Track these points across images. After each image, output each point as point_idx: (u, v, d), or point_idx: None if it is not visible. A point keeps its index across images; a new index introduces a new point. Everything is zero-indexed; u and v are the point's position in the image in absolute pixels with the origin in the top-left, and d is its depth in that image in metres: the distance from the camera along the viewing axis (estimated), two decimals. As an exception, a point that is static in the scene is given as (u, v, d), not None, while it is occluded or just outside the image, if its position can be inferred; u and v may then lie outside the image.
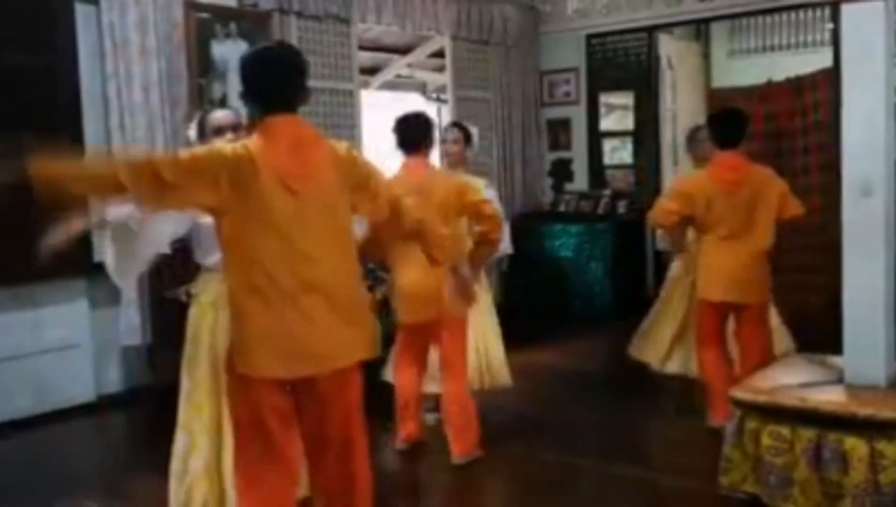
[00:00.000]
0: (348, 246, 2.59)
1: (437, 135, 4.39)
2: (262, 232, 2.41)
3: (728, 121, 4.41)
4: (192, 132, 3.38)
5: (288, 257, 2.42)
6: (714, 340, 4.41)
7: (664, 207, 4.41)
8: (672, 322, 5.16)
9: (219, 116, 3.32)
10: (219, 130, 3.20)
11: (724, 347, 4.44)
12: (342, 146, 2.66)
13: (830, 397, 3.21)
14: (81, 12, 5.21)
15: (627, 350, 5.39)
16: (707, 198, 4.26)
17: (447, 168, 4.78)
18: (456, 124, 5.14)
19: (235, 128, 3.20)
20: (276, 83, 2.54)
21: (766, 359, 4.10)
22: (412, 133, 4.12)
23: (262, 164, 2.40)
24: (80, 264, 5.16)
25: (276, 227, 2.41)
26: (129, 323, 5.29)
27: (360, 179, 2.63)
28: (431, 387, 4.36)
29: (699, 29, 9.07)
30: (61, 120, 5.11)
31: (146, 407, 5.28)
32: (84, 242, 5.19)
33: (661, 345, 5.17)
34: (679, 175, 5.41)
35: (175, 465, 3.23)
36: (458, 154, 4.84)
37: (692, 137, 5.23)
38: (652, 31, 7.97)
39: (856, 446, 3.01)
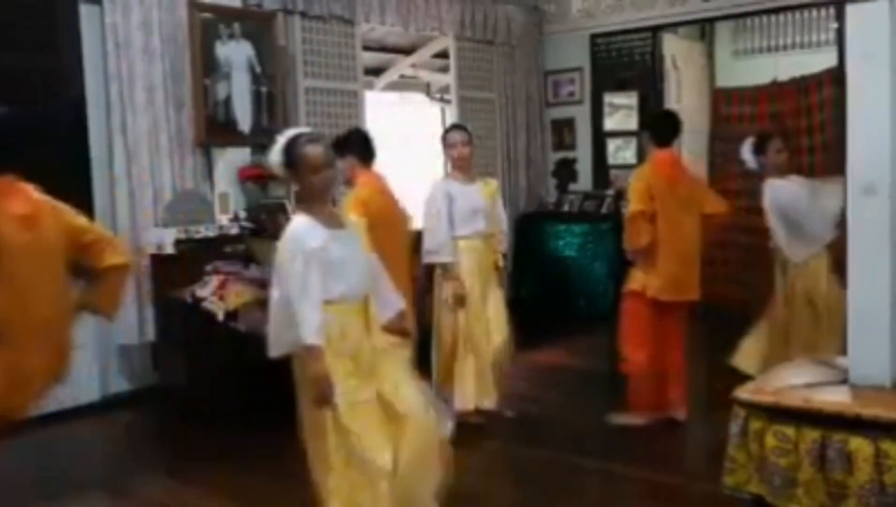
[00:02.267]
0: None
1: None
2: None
3: (668, 121, 4.82)
4: (277, 157, 3.07)
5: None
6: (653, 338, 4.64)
7: (638, 231, 4.55)
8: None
9: (316, 152, 3.03)
10: (315, 170, 3.00)
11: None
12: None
13: (835, 398, 3.20)
14: (85, 13, 5.22)
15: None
16: (652, 192, 4.51)
17: (456, 172, 4.68)
18: (460, 127, 4.98)
19: (330, 164, 3.07)
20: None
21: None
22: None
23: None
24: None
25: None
26: (127, 322, 5.29)
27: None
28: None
29: (703, 29, 9.05)
30: (65, 121, 5.13)
31: (150, 407, 5.30)
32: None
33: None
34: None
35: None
36: (471, 156, 4.76)
37: (762, 147, 5.02)
38: (656, 30, 7.96)
39: (860, 446, 3.00)
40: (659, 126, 4.78)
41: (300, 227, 3.00)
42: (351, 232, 3.17)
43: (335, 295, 2.99)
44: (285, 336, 2.99)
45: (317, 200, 3.06)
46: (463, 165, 4.64)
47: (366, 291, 3.12)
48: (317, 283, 2.91)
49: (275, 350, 3.08)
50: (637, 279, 4.66)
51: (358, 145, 4.26)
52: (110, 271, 3.13)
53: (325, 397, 2.91)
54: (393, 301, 3.29)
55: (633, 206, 4.58)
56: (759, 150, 5.03)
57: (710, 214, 4.68)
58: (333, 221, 3.08)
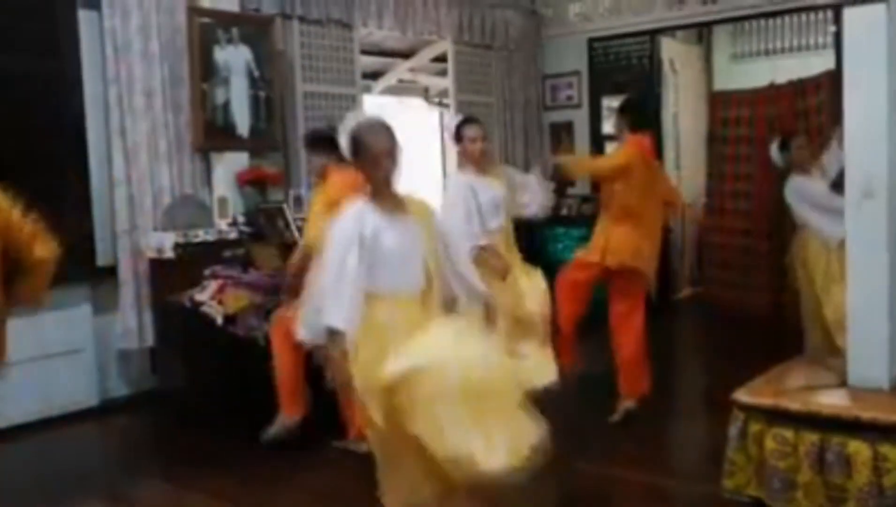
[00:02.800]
0: None
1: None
2: None
3: (645, 108, 5.12)
4: (345, 145, 3.06)
5: None
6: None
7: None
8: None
9: (377, 141, 2.97)
10: (376, 158, 2.97)
11: None
12: None
13: (834, 401, 3.21)
14: (84, 18, 5.23)
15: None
16: (631, 163, 4.68)
17: (471, 165, 4.45)
18: (476, 120, 4.68)
19: (391, 152, 3.00)
20: None
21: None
22: None
23: None
24: (83, 269, 5.20)
25: None
26: (126, 326, 5.30)
27: None
28: None
29: (701, 32, 9.07)
30: (64, 125, 5.13)
31: (149, 411, 5.29)
32: (88, 248, 5.22)
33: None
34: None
35: None
36: (489, 152, 4.71)
37: (784, 146, 5.44)
38: (654, 34, 7.97)
39: (859, 449, 3.01)
40: (637, 111, 4.95)
41: (352, 211, 2.96)
42: (414, 222, 3.03)
43: (384, 286, 2.91)
44: (317, 322, 2.93)
45: (380, 187, 2.99)
46: (483, 160, 4.46)
47: (423, 285, 3.00)
48: (353, 269, 2.82)
49: (306, 333, 3.09)
50: (597, 249, 4.80)
51: (332, 143, 4.26)
52: (38, 264, 3.11)
53: (342, 382, 2.87)
54: (476, 290, 3.17)
55: (618, 160, 4.80)
56: (783, 147, 5.45)
57: (668, 203, 5.06)
58: (396, 209, 2.99)
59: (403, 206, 3.02)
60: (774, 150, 5.55)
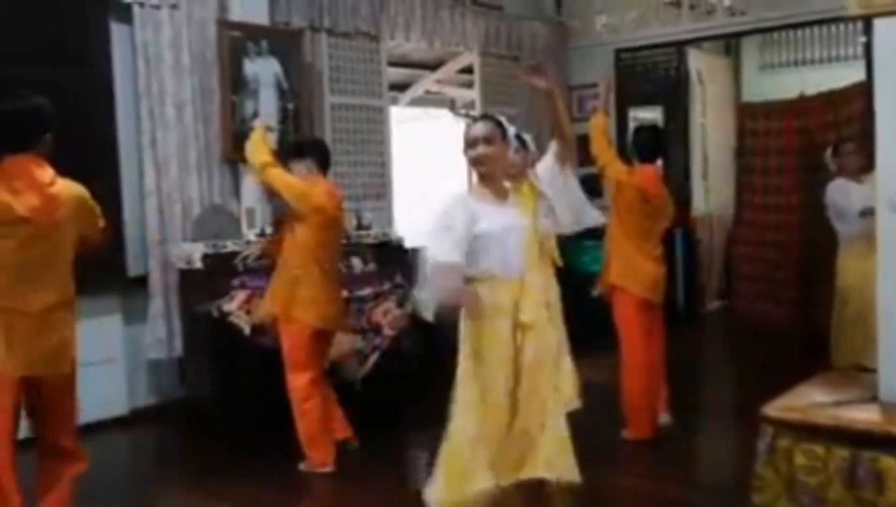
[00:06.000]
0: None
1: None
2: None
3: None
4: None
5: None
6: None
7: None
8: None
9: (469, 130, 3.19)
10: (468, 146, 3.16)
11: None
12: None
13: (865, 416, 3.16)
14: (116, 31, 5.31)
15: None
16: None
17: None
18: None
19: (488, 140, 3.15)
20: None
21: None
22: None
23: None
24: (114, 279, 5.26)
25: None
26: (156, 336, 5.35)
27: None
28: None
29: (729, 43, 9.03)
30: (96, 137, 5.20)
31: (177, 421, 5.34)
32: (119, 258, 5.28)
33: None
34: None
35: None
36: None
37: (837, 152, 5.53)
38: (681, 45, 7.95)
39: (891, 465, 2.96)
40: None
41: (448, 198, 3.15)
42: (514, 208, 3.21)
43: (479, 269, 3.06)
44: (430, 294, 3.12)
45: (480, 176, 3.16)
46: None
47: (521, 268, 3.14)
48: (448, 246, 3.01)
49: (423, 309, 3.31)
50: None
51: (316, 152, 4.45)
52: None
53: (473, 309, 3.06)
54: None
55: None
56: (834, 153, 5.56)
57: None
58: (498, 197, 3.16)
59: (506, 193, 3.20)
60: (829, 155, 5.63)
